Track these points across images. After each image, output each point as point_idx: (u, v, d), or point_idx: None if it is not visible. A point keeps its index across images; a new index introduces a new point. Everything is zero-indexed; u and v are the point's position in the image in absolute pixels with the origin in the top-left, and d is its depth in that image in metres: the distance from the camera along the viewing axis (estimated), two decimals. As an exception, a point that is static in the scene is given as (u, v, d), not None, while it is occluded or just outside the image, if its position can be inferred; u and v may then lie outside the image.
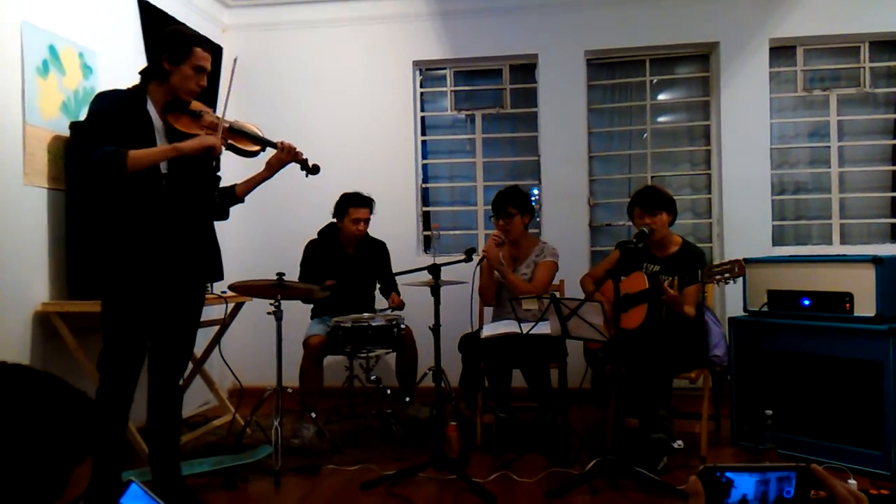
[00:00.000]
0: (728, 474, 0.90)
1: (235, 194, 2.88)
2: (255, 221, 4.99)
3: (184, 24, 3.67)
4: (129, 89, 2.64)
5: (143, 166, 2.48)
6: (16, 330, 3.14)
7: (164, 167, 2.59)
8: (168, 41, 2.61)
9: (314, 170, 2.94)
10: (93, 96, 2.64)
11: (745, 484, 0.90)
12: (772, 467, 0.90)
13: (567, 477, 3.04)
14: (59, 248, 3.36)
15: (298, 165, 2.90)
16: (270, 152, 2.87)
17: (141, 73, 2.67)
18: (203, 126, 2.65)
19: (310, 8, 5.10)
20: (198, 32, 2.75)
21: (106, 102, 2.55)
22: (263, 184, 2.90)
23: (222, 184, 2.89)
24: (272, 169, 2.85)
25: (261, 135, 2.85)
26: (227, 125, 2.72)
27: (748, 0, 4.73)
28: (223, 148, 2.64)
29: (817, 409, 3.21)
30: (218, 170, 2.81)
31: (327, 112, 5.08)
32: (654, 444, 3.11)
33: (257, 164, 2.89)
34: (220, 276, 2.89)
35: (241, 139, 2.79)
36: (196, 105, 2.69)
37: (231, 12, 5.16)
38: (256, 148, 2.83)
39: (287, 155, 2.84)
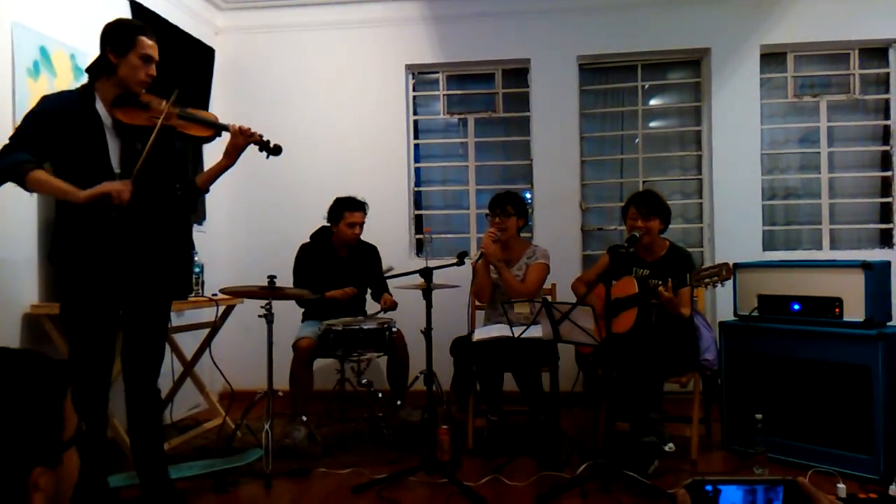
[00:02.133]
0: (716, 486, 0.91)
1: (197, 186, 2.78)
2: (247, 223, 4.97)
3: (128, 18, 3.54)
4: (77, 89, 2.59)
5: (44, 193, 2.44)
6: (5, 331, 3.12)
7: (116, 166, 2.52)
8: (111, 33, 2.55)
9: (275, 150, 2.77)
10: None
11: (732, 496, 0.91)
12: (760, 480, 0.92)
13: (558, 480, 3.04)
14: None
15: (257, 147, 2.76)
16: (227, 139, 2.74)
17: (87, 70, 2.60)
18: (151, 116, 2.56)
19: (302, 11, 5.10)
20: (141, 22, 2.70)
21: (47, 104, 2.49)
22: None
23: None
24: (229, 156, 2.72)
25: (213, 120, 2.74)
26: (175, 111, 2.63)
27: (740, 7, 4.76)
28: (127, 197, 2.39)
29: (807, 414, 3.23)
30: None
31: (320, 115, 5.08)
32: (644, 448, 3.11)
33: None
34: (188, 291, 2.80)
35: (192, 125, 2.68)
36: (146, 97, 2.61)
37: (224, 15, 5.15)
38: (209, 133, 2.72)
39: (242, 138, 2.70)
